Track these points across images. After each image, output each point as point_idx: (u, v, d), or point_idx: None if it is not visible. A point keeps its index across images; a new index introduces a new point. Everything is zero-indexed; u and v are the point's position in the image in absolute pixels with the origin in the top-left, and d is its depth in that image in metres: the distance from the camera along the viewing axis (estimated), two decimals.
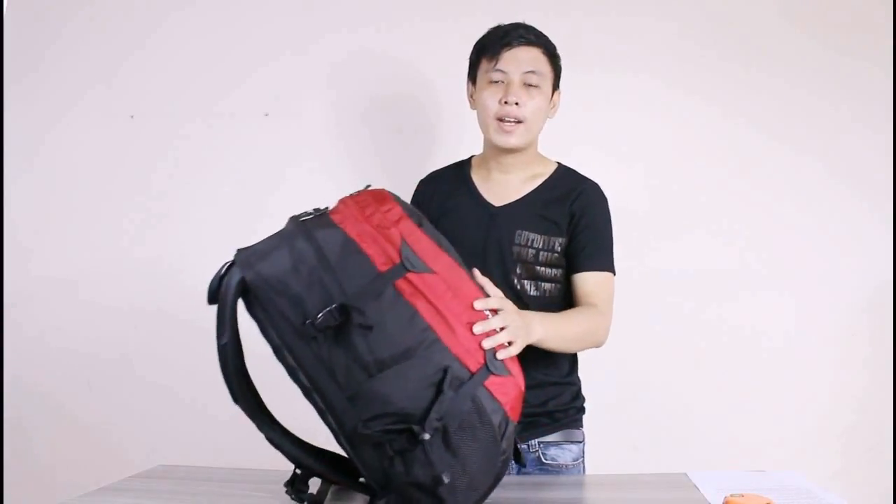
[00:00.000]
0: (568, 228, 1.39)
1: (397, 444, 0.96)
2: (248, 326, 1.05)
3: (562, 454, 1.42)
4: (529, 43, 1.37)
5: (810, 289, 2.02)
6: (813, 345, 2.03)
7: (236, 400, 1.05)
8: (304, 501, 1.10)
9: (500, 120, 1.36)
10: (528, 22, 1.41)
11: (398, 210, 1.09)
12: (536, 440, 1.40)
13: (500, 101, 1.36)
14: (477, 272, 1.10)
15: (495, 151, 1.42)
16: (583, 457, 1.45)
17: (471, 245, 1.17)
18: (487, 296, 1.07)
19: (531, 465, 1.40)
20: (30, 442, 2.18)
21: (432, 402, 0.95)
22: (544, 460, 1.40)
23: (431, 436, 0.94)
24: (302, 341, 1.00)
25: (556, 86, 1.43)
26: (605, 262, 1.40)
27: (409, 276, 1.01)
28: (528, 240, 1.38)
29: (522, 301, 1.24)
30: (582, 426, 1.46)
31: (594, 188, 1.44)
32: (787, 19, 2.03)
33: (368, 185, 1.15)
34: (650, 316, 1.97)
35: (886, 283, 2.01)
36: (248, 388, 1.06)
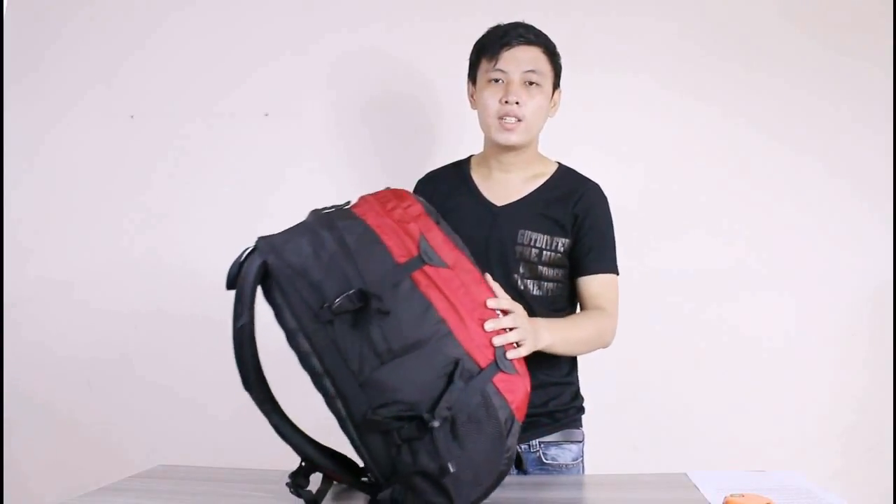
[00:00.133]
0: (572, 230, 1.40)
1: (406, 432, 0.98)
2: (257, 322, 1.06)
3: (562, 454, 1.42)
4: (529, 42, 1.37)
5: (810, 289, 2.02)
6: (813, 345, 2.03)
7: (248, 386, 1.06)
8: (301, 497, 1.11)
9: (501, 119, 1.37)
10: (528, 22, 1.41)
11: (418, 207, 1.13)
12: (537, 440, 1.40)
13: (500, 101, 1.36)
14: (489, 276, 1.13)
15: (496, 150, 1.42)
16: (582, 456, 1.45)
17: (473, 245, 1.18)
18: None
19: (532, 466, 1.40)
20: (30, 442, 2.18)
21: (442, 392, 0.98)
22: (545, 460, 1.41)
23: (440, 425, 0.97)
24: (318, 325, 1.02)
25: (556, 85, 1.43)
26: (609, 263, 1.41)
27: (426, 268, 1.04)
28: (530, 239, 1.38)
29: (525, 301, 1.24)
30: (581, 426, 1.47)
31: (596, 189, 1.44)
32: (787, 19, 2.03)
33: (387, 187, 1.19)
34: (650, 316, 1.97)
35: (886, 283, 2.01)
36: (260, 374, 1.07)
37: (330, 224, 1.07)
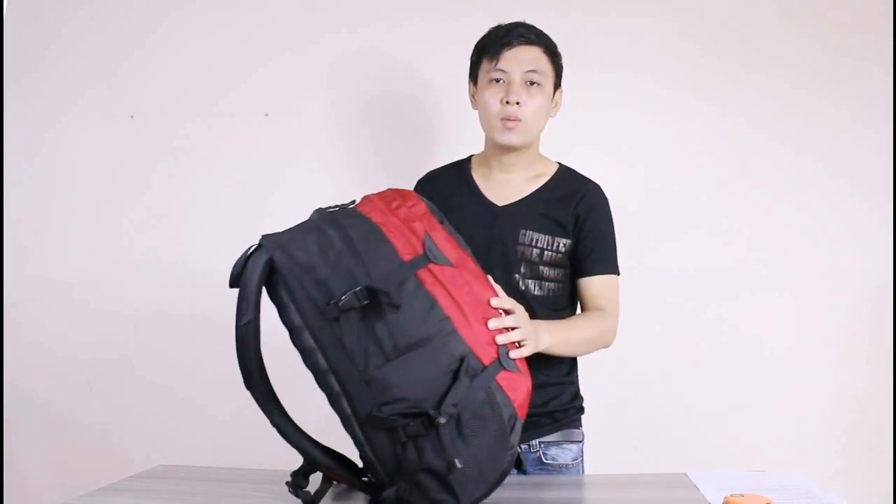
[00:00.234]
0: (573, 230, 1.40)
1: (411, 429, 0.99)
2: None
3: (562, 454, 1.42)
4: (530, 42, 1.37)
5: (810, 289, 2.02)
6: (813, 345, 2.03)
7: (249, 385, 1.05)
8: (299, 497, 1.11)
9: (502, 119, 1.37)
10: (529, 22, 1.41)
11: (422, 206, 1.14)
12: (537, 440, 1.40)
13: (501, 101, 1.36)
14: (490, 278, 1.14)
15: (497, 150, 1.42)
16: (582, 456, 1.46)
17: (474, 244, 1.18)
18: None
19: (532, 465, 1.40)
20: (30, 442, 2.18)
21: (448, 389, 0.99)
22: (545, 460, 1.41)
23: (446, 421, 0.97)
24: (324, 322, 1.02)
25: (557, 85, 1.43)
26: (610, 264, 1.42)
27: (431, 266, 1.05)
28: (532, 239, 1.38)
29: (526, 301, 1.25)
30: (581, 426, 1.47)
31: (597, 190, 1.45)
32: (787, 19, 2.02)
33: (389, 188, 1.20)
34: (650, 316, 1.97)
35: (886, 283, 2.01)
36: (262, 373, 1.07)
37: (335, 222, 1.07)
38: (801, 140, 2.02)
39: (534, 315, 1.21)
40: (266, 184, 2.11)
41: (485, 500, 1.06)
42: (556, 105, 1.44)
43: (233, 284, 1.04)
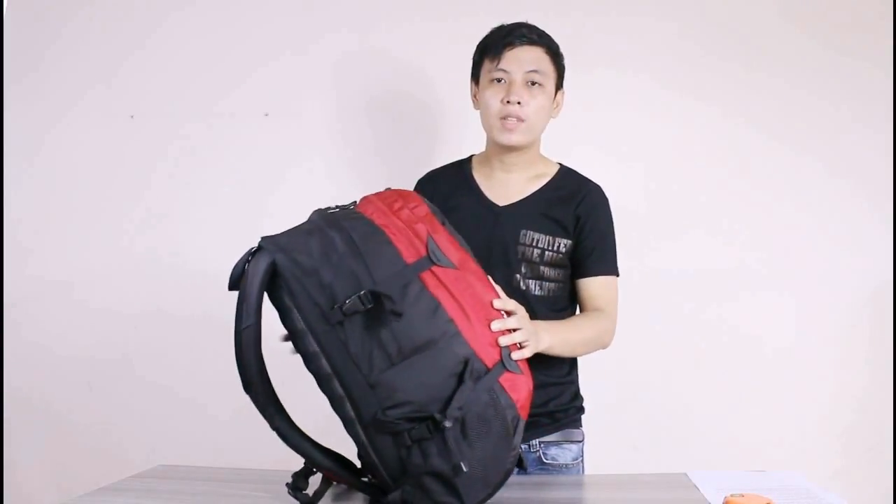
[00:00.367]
0: (574, 231, 1.40)
1: (416, 433, 0.99)
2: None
3: (562, 454, 1.42)
4: (532, 42, 1.37)
5: (810, 289, 2.02)
6: (813, 345, 2.02)
7: (248, 388, 1.04)
8: (298, 499, 1.11)
9: (503, 119, 1.37)
10: (530, 22, 1.41)
11: (425, 208, 1.14)
12: (537, 440, 1.41)
13: (502, 101, 1.36)
14: (491, 279, 1.14)
15: (498, 150, 1.42)
16: (582, 456, 1.46)
17: (475, 244, 1.18)
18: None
19: (532, 465, 1.40)
20: (30, 442, 2.18)
21: (453, 392, 0.98)
22: (545, 460, 1.41)
23: (451, 425, 0.97)
24: (327, 326, 1.01)
25: (559, 85, 1.43)
26: (609, 265, 1.42)
27: (434, 269, 1.04)
28: (532, 239, 1.38)
29: (527, 301, 1.25)
30: (581, 426, 1.47)
31: (598, 191, 1.45)
32: (787, 19, 2.02)
33: (388, 188, 1.19)
34: (650, 316, 1.97)
35: (886, 283, 2.01)
36: (263, 376, 1.06)
37: (337, 224, 1.06)
38: (801, 140, 2.02)
39: (534, 315, 1.21)
40: (266, 184, 2.11)
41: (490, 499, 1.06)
42: (557, 106, 1.44)
43: (232, 287, 1.04)
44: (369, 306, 1.00)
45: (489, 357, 1.03)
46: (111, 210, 2.16)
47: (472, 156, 1.52)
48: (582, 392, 1.48)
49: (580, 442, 1.45)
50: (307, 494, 1.12)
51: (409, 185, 1.51)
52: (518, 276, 1.38)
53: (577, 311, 1.45)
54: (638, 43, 2.03)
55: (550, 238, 1.39)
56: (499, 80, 1.37)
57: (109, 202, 2.17)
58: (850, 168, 2.02)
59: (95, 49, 2.17)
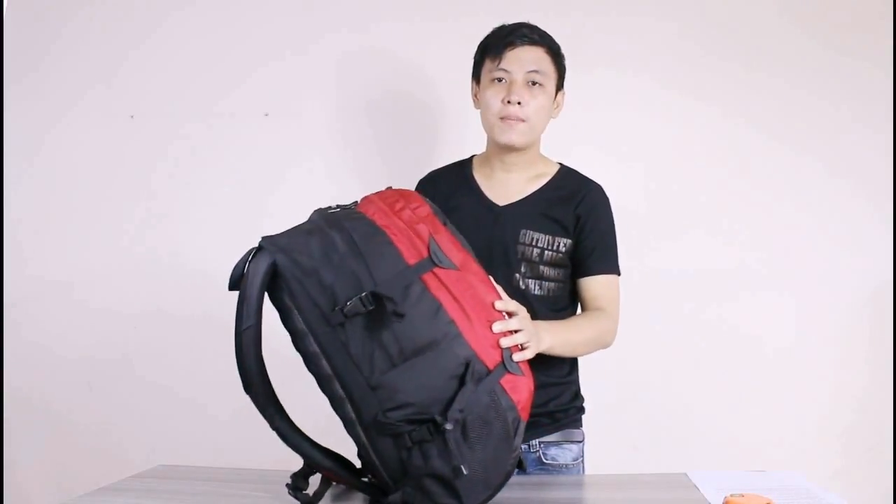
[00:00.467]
0: (574, 231, 1.40)
1: (417, 435, 0.99)
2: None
3: (562, 454, 1.42)
4: (533, 42, 1.37)
5: (810, 289, 2.02)
6: (813, 345, 2.02)
7: (248, 389, 1.04)
8: (298, 499, 1.11)
9: (504, 119, 1.37)
10: (530, 22, 1.41)
11: (426, 208, 1.13)
12: (537, 440, 1.41)
13: (503, 101, 1.36)
14: (492, 279, 1.13)
15: (498, 150, 1.42)
16: (582, 456, 1.46)
17: (475, 244, 1.18)
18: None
19: (532, 466, 1.40)
20: (30, 442, 2.18)
21: (455, 394, 0.98)
22: (545, 460, 1.41)
23: (452, 427, 0.97)
24: (328, 327, 1.01)
25: (560, 86, 1.43)
26: (610, 264, 1.42)
27: (436, 270, 1.04)
28: (532, 239, 1.38)
29: (527, 300, 1.25)
30: (581, 426, 1.47)
31: (598, 190, 1.45)
32: (787, 19, 2.02)
33: (389, 187, 1.19)
34: (650, 316, 1.97)
35: (886, 283, 2.01)
36: (264, 376, 1.06)
37: (338, 224, 1.06)
38: (801, 140, 2.02)
39: (534, 315, 1.20)
40: (266, 184, 2.11)
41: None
42: (557, 106, 1.44)
43: (232, 287, 1.03)
44: (370, 308, 0.99)
45: (490, 359, 1.03)
46: (111, 210, 2.16)
47: (472, 156, 1.52)
48: (582, 392, 1.48)
49: (580, 442, 1.45)
50: (307, 494, 1.12)
51: (410, 185, 1.50)
52: (518, 275, 1.38)
53: (579, 311, 1.45)
54: (638, 43, 2.03)
55: (550, 238, 1.39)
56: (499, 80, 1.37)
57: (109, 202, 2.17)
58: (850, 168, 2.02)
59: (95, 49, 2.17)
